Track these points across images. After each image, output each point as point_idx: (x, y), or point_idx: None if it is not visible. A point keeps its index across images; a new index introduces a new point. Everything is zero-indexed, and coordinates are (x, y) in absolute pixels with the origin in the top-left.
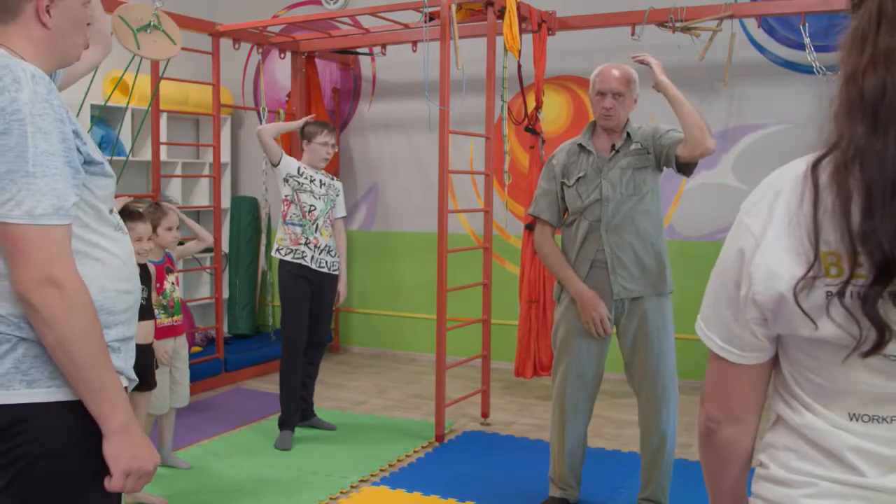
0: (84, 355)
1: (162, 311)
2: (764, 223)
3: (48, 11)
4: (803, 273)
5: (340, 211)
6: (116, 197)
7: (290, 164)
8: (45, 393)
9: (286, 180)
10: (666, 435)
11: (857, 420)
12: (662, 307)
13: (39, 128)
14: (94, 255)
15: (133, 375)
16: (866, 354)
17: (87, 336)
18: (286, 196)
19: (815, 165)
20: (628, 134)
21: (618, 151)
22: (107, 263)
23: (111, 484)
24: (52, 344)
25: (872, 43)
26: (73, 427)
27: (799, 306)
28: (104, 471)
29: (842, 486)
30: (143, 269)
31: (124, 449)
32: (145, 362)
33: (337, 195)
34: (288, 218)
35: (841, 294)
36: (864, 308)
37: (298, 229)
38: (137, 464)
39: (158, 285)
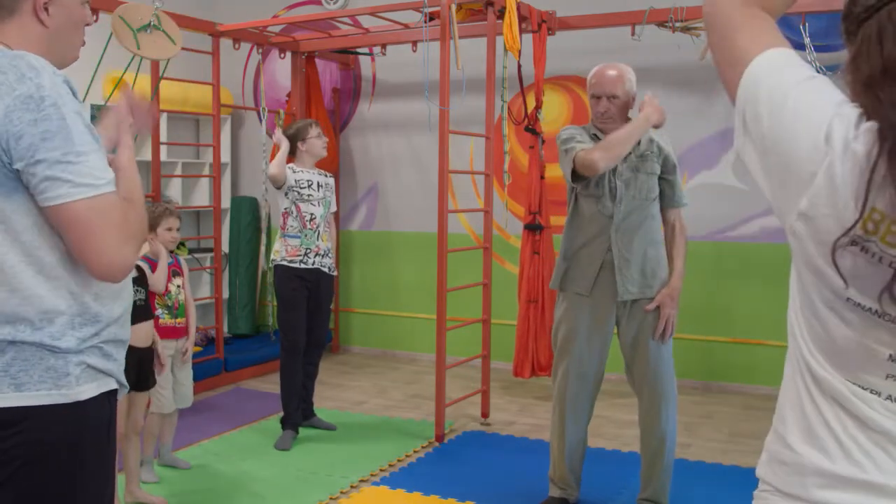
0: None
1: (166, 312)
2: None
3: (46, 9)
4: (856, 219)
5: (332, 206)
6: None
7: (289, 176)
8: (34, 396)
9: (286, 193)
10: (665, 435)
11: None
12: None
13: (71, 109)
14: None
15: (124, 380)
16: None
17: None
18: (285, 208)
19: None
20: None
21: (630, 151)
22: None
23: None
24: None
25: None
26: (63, 429)
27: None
28: (95, 471)
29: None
30: (139, 270)
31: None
32: (145, 365)
33: (332, 193)
34: (287, 230)
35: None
36: None
37: (297, 241)
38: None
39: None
